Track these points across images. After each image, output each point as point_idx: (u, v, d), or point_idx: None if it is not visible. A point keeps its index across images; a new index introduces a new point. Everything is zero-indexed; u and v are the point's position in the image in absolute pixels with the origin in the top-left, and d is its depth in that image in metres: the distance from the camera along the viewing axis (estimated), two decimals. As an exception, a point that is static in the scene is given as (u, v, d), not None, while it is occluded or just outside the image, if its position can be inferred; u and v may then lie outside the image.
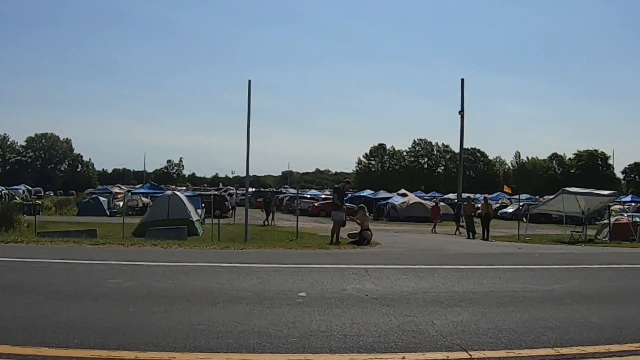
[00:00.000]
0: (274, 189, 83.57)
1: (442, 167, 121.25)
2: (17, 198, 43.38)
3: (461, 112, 42.57)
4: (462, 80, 43.04)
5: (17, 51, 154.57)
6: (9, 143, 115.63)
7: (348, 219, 19.06)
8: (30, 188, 70.10)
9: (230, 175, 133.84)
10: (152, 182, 55.33)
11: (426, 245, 17.46)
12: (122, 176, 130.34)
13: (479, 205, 31.55)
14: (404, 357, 4.28)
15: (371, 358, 4.22)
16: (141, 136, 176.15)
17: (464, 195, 64.69)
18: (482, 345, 4.65)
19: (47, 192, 77.52)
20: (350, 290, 6.81)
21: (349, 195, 65.95)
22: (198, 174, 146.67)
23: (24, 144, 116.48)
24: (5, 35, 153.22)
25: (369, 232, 17.74)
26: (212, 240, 20.10)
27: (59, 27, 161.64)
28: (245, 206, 24.43)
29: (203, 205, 36.00)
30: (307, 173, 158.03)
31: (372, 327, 5.10)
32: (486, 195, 40.24)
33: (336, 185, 21.23)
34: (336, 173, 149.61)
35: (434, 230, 29.97)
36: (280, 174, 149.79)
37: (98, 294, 5.96)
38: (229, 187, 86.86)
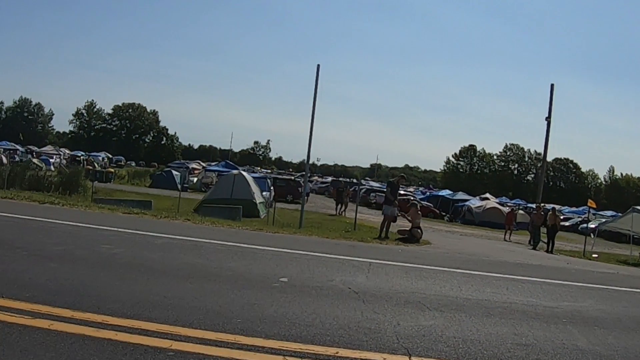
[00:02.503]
0: (354, 180, 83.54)
1: (532, 175, 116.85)
2: (96, 164, 45.82)
3: (548, 119, 40.94)
4: (552, 85, 41.33)
5: (120, 24, 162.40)
6: (95, 109, 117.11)
7: (399, 214, 18.83)
8: (110, 156, 73.77)
9: (318, 163, 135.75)
10: (228, 161, 56.70)
11: (476, 250, 16.85)
12: (207, 153, 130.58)
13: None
14: (337, 352, 4.16)
15: (302, 349, 4.14)
16: (231, 115, 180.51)
17: (550, 206, 62.19)
18: (432, 352, 4.43)
19: (128, 162, 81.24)
20: (336, 281, 6.71)
21: (428, 193, 65.85)
22: (285, 158, 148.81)
23: (110, 111, 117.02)
24: (111, 7, 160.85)
25: (419, 230, 17.41)
26: (266, 223, 20.41)
27: (165, 4, 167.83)
28: (303, 193, 24.68)
29: (272, 187, 36.66)
30: (395, 168, 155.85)
31: (329, 320, 5.00)
32: (555, 206, 38.34)
33: (390, 179, 20.99)
34: (425, 171, 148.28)
35: (505, 237, 28.85)
36: (369, 166, 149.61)
37: (82, 256, 6.29)
38: (316, 174, 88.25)
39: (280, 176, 54.24)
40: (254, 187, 29.23)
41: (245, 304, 5.15)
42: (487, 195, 63.41)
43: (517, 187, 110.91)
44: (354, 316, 5.25)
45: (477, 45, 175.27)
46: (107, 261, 6.15)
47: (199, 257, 7.20)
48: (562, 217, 52.97)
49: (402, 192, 62.63)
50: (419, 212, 18.74)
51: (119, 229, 8.68)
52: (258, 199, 28.41)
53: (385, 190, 19.94)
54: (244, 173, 33.46)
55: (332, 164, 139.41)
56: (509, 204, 58.72)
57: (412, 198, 41.61)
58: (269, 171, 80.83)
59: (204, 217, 13.30)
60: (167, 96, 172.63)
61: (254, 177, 34.08)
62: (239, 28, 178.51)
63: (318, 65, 22.49)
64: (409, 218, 18.00)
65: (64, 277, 5.26)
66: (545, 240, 23.39)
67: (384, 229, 17.38)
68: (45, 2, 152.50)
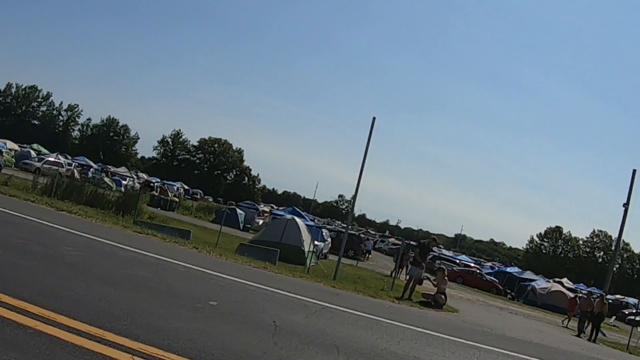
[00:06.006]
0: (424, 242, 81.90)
1: (617, 266, 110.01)
2: (169, 193, 47.87)
3: (626, 205, 39.14)
4: (634, 171, 39.74)
5: (215, 56, 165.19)
6: (181, 139, 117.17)
7: (425, 277, 18.67)
8: (187, 187, 76.53)
9: (401, 225, 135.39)
10: (295, 207, 57.56)
11: (498, 325, 16.09)
12: (290, 200, 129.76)
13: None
14: None
15: (158, 354, 4.36)
16: (318, 164, 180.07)
17: (631, 300, 58.18)
18: None
19: (205, 196, 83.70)
20: (268, 315, 6.84)
21: (495, 268, 64.00)
22: (368, 216, 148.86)
23: (196, 144, 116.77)
24: (207, 38, 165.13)
25: (443, 297, 17.14)
26: (303, 271, 20.58)
27: (265, 44, 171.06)
28: (340, 249, 24.48)
29: (328, 239, 36.97)
30: (480, 241, 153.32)
31: (215, 341, 5.18)
32: (604, 292, 35.81)
33: (421, 241, 20.77)
34: (510, 248, 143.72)
35: (564, 322, 27.21)
36: (453, 235, 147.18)
37: (34, 251, 7.11)
38: (394, 236, 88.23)
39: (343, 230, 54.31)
40: (305, 235, 29.33)
41: (149, 314, 5.50)
42: (564, 279, 60.47)
43: (600, 275, 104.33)
44: (247, 343, 5.37)
45: (579, 125, 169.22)
46: (54, 258, 6.81)
47: (149, 272, 7.66)
48: (629, 312, 49.34)
49: (472, 264, 61.75)
50: (446, 277, 18.39)
51: (96, 238, 9.43)
52: (308, 247, 28.55)
53: (414, 251, 19.74)
54: (297, 219, 33.67)
55: (416, 228, 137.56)
56: (582, 291, 55.53)
57: (440, 264, 40.60)
58: (350, 227, 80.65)
59: (213, 249, 13.83)
60: (254, 136, 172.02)
61: (307, 225, 34.41)
62: (337, 77, 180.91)
63: (374, 118, 22.93)
64: (435, 283, 17.80)
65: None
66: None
67: (408, 290, 17.32)
68: (143, 27, 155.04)
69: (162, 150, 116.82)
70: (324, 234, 37.67)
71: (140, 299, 6.04)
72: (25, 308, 4.66)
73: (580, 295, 39.35)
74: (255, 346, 5.37)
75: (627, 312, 45.60)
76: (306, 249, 27.45)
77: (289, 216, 34.33)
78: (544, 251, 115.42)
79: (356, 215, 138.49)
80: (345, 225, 79.42)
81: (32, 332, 4.19)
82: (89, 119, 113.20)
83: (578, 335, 21.71)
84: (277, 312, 7.22)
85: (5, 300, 4.72)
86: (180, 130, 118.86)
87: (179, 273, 8.29)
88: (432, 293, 17.25)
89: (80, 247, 8.14)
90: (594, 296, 27.51)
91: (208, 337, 5.24)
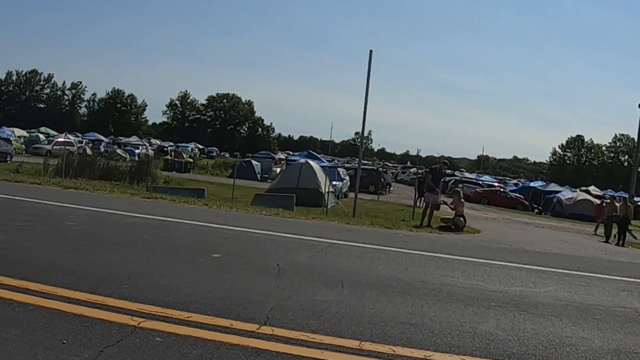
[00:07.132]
0: (450, 171, 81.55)
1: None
2: (184, 155, 48.12)
3: (642, 106, 38.65)
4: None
5: (214, 10, 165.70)
6: (189, 100, 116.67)
7: (442, 202, 18.78)
8: (201, 146, 76.82)
9: (423, 154, 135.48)
10: (310, 151, 57.28)
11: (520, 240, 16.04)
12: (307, 144, 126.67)
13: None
14: (189, 317, 4.38)
15: (157, 311, 4.42)
16: (332, 105, 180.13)
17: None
18: (292, 324, 4.52)
19: (222, 153, 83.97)
20: (272, 259, 6.91)
21: (520, 184, 63.77)
22: (388, 149, 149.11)
23: (204, 102, 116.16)
24: None
25: (462, 219, 17.21)
26: (322, 212, 20.74)
27: None
28: (356, 186, 24.55)
29: (346, 177, 37.11)
30: (503, 160, 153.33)
31: (216, 291, 5.26)
32: (630, 195, 35.47)
33: (432, 166, 20.74)
34: (534, 163, 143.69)
35: (595, 231, 27.17)
36: (476, 157, 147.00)
37: (35, 230, 7.30)
38: (416, 165, 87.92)
39: (362, 167, 54.22)
40: (321, 176, 29.41)
41: (149, 275, 5.59)
42: (591, 187, 60.31)
43: (627, 179, 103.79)
44: (249, 289, 5.44)
45: (590, 31, 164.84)
46: (56, 235, 6.97)
47: (151, 234, 7.78)
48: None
49: (496, 183, 61.59)
50: (462, 199, 18.42)
51: (101, 210, 9.61)
52: (325, 188, 28.63)
53: (426, 177, 19.63)
54: (311, 162, 33.67)
55: (437, 155, 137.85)
56: (607, 196, 55.11)
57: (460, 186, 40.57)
58: (370, 163, 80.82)
59: (224, 203, 13.99)
60: (263, 86, 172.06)
61: (322, 166, 34.35)
62: (341, 13, 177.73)
63: (370, 51, 22.54)
64: (452, 206, 17.86)
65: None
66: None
67: (425, 217, 17.48)
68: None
69: (171, 113, 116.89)
70: (340, 173, 37.78)
71: (141, 261, 6.17)
72: (26, 287, 4.78)
73: (601, 201, 39.18)
74: (257, 291, 5.44)
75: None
76: (324, 190, 27.57)
77: (302, 160, 34.37)
78: (567, 162, 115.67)
79: (375, 150, 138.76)
80: (364, 162, 79.64)
81: (32, 309, 4.30)
82: (94, 94, 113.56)
83: (606, 241, 21.70)
84: (281, 255, 7.29)
85: (6, 283, 4.84)
86: (187, 91, 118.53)
87: (183, 231, 8.43)
88: (451, 217, 17.33)
89: (83, 220, 8.30)
90: (618, 200, 27.22)
91: (209, 289, 5.34)
